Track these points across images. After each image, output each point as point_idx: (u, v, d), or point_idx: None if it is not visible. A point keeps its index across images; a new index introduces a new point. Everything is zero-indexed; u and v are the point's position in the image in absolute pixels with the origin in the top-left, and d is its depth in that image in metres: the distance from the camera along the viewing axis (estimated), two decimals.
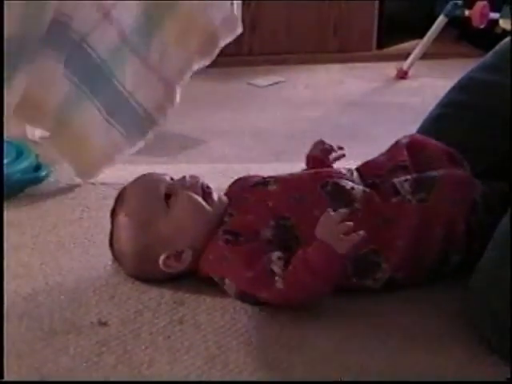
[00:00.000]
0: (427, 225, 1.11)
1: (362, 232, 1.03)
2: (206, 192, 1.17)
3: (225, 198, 1.19)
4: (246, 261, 1.09)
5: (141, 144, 1.53)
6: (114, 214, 1.18)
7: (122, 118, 1.50)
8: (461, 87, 1.40)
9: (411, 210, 1.12)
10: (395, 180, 1.16)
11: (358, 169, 1.23)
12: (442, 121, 1.36)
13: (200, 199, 1.16)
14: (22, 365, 0.98)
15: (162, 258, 1.14)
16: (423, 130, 1.35)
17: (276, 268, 1.07)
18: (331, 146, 1.30)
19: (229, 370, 0.98)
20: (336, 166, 1.27)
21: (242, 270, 1.08)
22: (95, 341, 1.03)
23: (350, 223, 1.04)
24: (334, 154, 1.29)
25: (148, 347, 1.02)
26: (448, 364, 0.99)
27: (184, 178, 1.19)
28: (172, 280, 1.16)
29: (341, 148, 1.30)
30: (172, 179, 1.19)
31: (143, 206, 1.16)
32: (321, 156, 1.29)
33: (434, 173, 1.16)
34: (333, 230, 1.04)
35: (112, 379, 0.96)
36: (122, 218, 1.17)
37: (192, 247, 1.14)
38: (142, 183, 1.20)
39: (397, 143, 1.25)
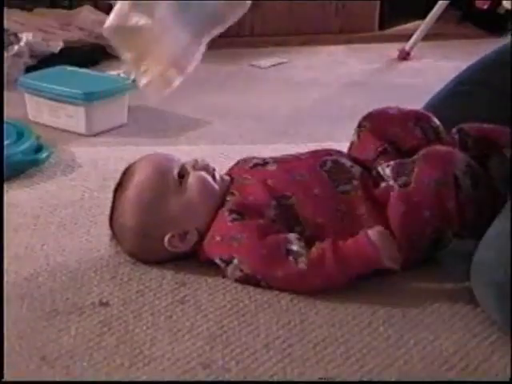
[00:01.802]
0: (415, 210, 1.11)
1: None
2: (213, 174, 1.18)
3: (227, 178, 1.19)
4: (258, 237, 1.09)
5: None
6: (121, 188, 1.17)
7: None
8: (481, 67, 1.38)
9: (396, 198, 1.11)
10: (378, 167, 1.16)
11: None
12: (458, 97, 1.34)
13: (212, 180, 1.16)
14: (24, 345, 0.98)
15: (167, 236, 1.14)
16: (434, 105, 1.33)
17: (296, 247, 1.08)
18: None
19: (230, 350, 0.98)
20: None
21: (255, 247, 1.09)
22: (96, 321, 1.04)
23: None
24: None
25: (149, 327, 1.02)
26: (448, 342, 0.99)
27: (195, 160, 1.19)
28: (172, 261, 1.16)
29: None
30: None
31: (156, 182, 1.15)
32: None
33: (415, 156, 1.14)
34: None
35: (113, 359, 0.96)
36: (131, 193, 1.15)
37: (197, 228, 1.14)
38: (155, 161, 1.19)
39: (363, 131, 1.23)
